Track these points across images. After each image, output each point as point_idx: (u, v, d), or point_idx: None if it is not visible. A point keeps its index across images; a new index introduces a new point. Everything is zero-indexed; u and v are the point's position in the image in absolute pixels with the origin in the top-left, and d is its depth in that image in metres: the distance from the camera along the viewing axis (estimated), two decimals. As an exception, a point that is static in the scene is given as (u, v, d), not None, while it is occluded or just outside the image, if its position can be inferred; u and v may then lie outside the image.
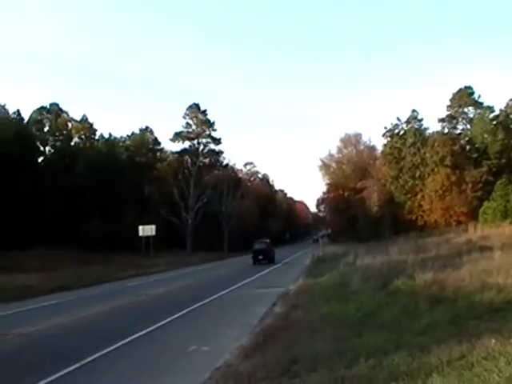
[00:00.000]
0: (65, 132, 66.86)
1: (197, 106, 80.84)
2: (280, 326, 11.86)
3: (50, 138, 65.69)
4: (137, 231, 51.51)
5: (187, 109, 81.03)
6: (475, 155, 67.26)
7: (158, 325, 13.60)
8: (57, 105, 66.90)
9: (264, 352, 9.45)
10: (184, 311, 15.88)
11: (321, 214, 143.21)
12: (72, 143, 68.18)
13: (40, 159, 62.96)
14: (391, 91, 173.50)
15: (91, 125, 70.16)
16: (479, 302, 11.96)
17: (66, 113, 67.91)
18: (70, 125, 68.24)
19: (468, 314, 10.91)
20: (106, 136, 73.23)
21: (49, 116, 66.13)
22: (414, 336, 9.25)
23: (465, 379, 5.93)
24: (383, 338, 9.27)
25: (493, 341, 7.54)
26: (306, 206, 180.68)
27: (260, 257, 45.22)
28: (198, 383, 8.23)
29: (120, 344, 11.43)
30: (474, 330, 9.28)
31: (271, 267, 38.25)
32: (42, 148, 64.32)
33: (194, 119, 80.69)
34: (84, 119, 69.71)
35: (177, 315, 15.19)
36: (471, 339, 7.89)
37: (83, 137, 69.69)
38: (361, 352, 8.06)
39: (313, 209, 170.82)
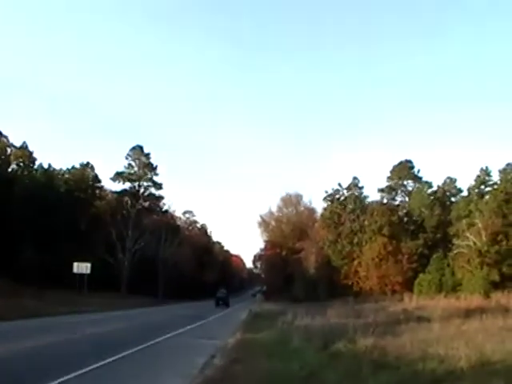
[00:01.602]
0: (3, 157, 64.62)
1: (140, 148, 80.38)
2: (223, 379, 11.40)
3: (-13, 162, 63.30)
4: (71, 267, 49.77)
5: (130, 150, 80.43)
6: (412, 227, 69.30)
7: (93, 366, 12.79)
8: (-4, 128, 64.83)
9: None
10: (120, 355, 15.08)
11: (256, 271, 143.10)
12: (9, 169, 65.87)
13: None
14: (335, 155, 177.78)
15: (31, 153, 68.21)
16: (422, 371, 11.97)
17: (6, 137, 65.84)
18: (8, 150, 66.12)
19: (412, 381, 10.88)
20: (46, 166, 71.24)
21: (-14, 139, 63.92)
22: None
23: None
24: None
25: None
26: (242, 260, 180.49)
27: (220, 302, 61.86)
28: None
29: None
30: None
31: (208, 318, 37.46)
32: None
33: (137, 161, 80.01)
34: (24, 146, 67.73)
35: (113, 358, 14.41)
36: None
37: (21, 164, 67.61)
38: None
39: (249, 264, 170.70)
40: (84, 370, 11.90)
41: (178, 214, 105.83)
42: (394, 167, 76.47)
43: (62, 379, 10.67)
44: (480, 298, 44.86)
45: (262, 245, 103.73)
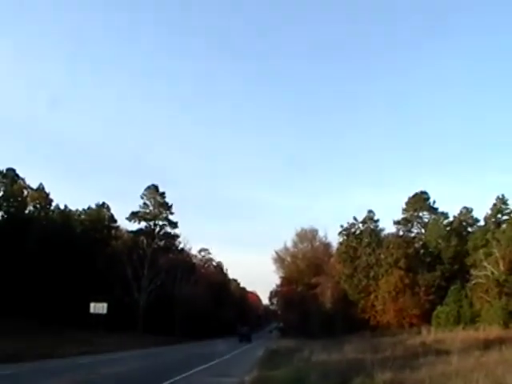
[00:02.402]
0: (20, 199, 65.52)
1: (155, 187, 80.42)
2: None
3: (4, 204, 64.16)
4: (87, 307, 50.03)
5: (145, 189, 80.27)
6: (429, 259, 68.62)
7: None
8: (13, 170, 65.76)
9: None
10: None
11: (273, 307, 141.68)
12: (26, 211, 66.69)
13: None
14: (349, 189, 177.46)
15: (47, 194, 69.15)
16: (441, 404, 11.87)
17: (23, 179, 66.83)
18: (25, 192, 67.04)
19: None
20: (62, 207, 72.16)
21: (4, 181, 64.89)
22: None
23: None
24: None
25: None
26: (258, 297, 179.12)
27: (243, 338, 70.25)
28: None
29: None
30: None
31: (225, 356, 37.16)
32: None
33: (152, 200, 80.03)
34: (41, 188, 68.70)
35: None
36: None
37: (38, 206, 68.45)
38: None
39: (265, 301, 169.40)
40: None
41: (194, 251, 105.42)
42: (410, 199, 76.16)
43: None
44: (499, 329, 44.27)
45: (277, 281, 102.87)
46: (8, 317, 44.30)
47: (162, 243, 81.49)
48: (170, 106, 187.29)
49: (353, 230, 77.42)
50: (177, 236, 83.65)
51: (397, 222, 76.40)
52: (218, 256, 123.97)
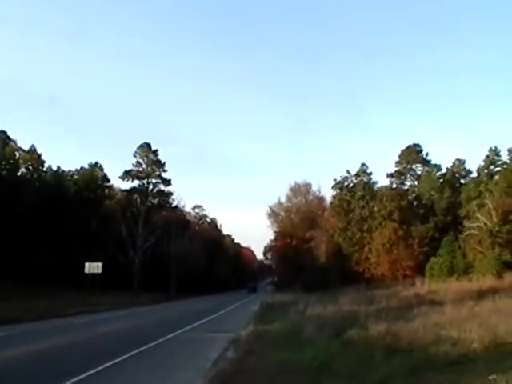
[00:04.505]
0: (12, 161, 64.92)
1: (148, 145, 79.98)
2: (235, 372, 11.41)
3: (-4, 167, 63.59)
4: (83, 267, 50.04)
5: (138, 148, 79.86)
6: (422, 211, 68.93)
7: (108, 364, 12.89)
8: (4, 133, 64.93)
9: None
10: (132, 352, 15.12)
11: (268, 262, 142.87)
12: (19, 173, 66.18)
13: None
14: (342, 142, 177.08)
15: (39, 156, 68.56)
16: (435, 354, 11.98)
17: (14, 142, 66.15)
18: (17, 154, 66.41)
19: (425, 365, 10.91)
20: (55, 168, 71.72)
21: (-5, 144, 64.15)
22: (375, 386, 9.11)
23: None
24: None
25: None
26: (252, 252, 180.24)
27: (251, 289, 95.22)
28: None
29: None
30: (433, 381, 9.23)
31: (220, 312, 37.48)
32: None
33: (145, 158, 79.65)
34: (32, 150, 68.05)
35: (127, 355, 14.47)
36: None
37: (31, 167, 67.96)
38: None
39: (260, 256, 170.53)
40: (95, 370, 12.05)
41: (188, 209, 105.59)
42: (403, 151, 76.02)
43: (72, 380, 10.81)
44: (492, 279, 44.60)
45: (272, 236, 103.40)
46: (3, 280, 44.39)
47: (155, 201, 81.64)
48: (162, 62, 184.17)
49: (346, 183, 77.25)
50: (170, 193, 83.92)
51: (390, 175, 76.57)
52: (212, 213, 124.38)
